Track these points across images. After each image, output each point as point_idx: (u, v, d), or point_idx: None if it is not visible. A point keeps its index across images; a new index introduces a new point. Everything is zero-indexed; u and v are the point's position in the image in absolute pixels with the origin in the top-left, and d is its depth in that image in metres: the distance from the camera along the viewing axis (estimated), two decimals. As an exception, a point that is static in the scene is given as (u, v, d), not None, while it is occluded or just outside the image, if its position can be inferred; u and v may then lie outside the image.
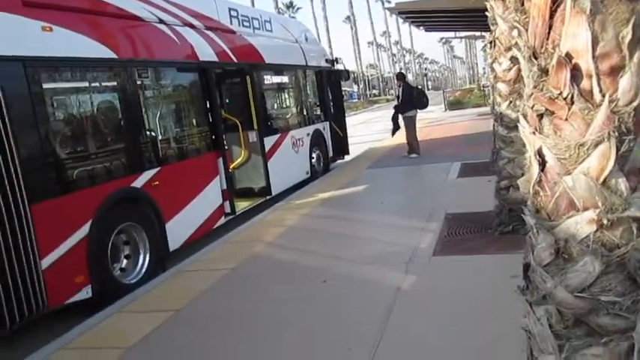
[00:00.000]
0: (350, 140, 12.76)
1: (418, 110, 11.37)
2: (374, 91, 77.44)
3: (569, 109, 1.22)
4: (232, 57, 7.83)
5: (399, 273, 4.48)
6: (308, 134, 10.24)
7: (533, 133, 1.30)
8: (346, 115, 13.66)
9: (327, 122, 11.27)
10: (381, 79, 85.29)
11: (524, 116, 1.33)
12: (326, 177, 10.42)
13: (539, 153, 1.30)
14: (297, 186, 9.41)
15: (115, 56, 5.51)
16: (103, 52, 5.36)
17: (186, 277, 5.30)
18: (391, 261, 4.83)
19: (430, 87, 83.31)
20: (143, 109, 6.05)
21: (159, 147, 6.23)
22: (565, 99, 1.21)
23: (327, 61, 11.68)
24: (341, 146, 11.99)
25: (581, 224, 1.24)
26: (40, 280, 4.37)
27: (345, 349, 3.33)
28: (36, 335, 4.45)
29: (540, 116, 1.28)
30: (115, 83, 5.84)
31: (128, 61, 5.80)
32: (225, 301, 4.57)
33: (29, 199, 4.29)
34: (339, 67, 12.44)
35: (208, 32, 7.42)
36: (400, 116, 11.37)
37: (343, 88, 14.85)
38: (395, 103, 12.03)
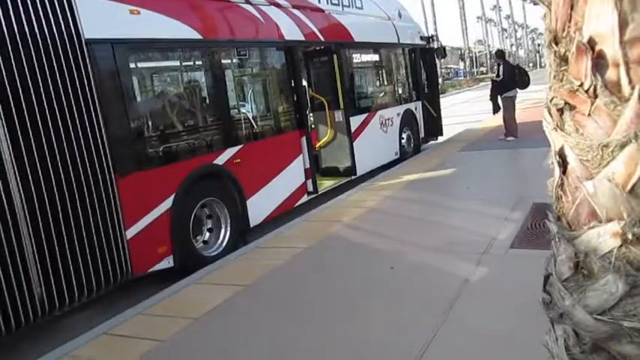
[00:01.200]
0: (447, 120, 12.32)
1: (519, 90, 10.70)
2: (481, 69, 74.05)
3: (592, 104, 1.04)
4: (319, 36, 7.80)
5: (471, 264, 4.27)
6: (398, 114, 10.02)
7: (555, 129, 1.14)
8: (449, 93, 13.17)
9: (420, 102, 10.94)
10: (489, 56, 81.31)
11: (548, 110, 1.16)
12: (415, 158, 10.17)
13: (561, 153, 1.13)
14: (385, 167, 9.28)
15: (199, 37, 5.69)
16: (188, 33, 5.54)
17: (263, 253, 5.43)
18: (465, 251, 4.62)
19: (544, 64, 77.82)
20: (227, 89, 6.21)
21: (242, 126, 6.40)
22: (587, 91, 1.04)
23: (421, 38, 11.29)
24: (434, 127, 11.62)
25: (603, 237, 1.07)
26: (125, 249, 4.69)
27: (398, 340, 3.25)
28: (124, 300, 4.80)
29: (561, 111, 1.11)
30: (200, 63, 6.06)
31: (213, 41, 5.97)
32: (295, 279, 4.64)
33: (116, 173, 4.60)
34: (434, 44, 11.97)
35: (295, 11, 7.42)
36: (499, 97, 10.75)
37: (448, 66, 14.30)
38: (493, 82, 11.38)
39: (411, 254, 4.77)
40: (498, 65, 10.85)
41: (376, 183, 8.11)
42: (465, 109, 21.05)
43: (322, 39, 7.91)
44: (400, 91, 10.62)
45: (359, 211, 6.57)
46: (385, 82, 10.36)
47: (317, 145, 8.45)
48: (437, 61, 12.53)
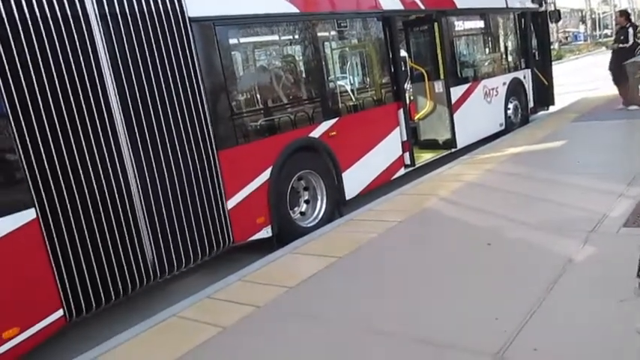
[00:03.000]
0: (561, 89, 11.51)
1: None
2: (605, 31, 67.73)
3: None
4: (419, 4, 7.55)
5: (576, 242, 4.01)
6: (504, 83, 9.51)
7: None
8: (566, 59, 12.24)
9: (529, 70, 10.29)
10: (613, 17, 74.07)
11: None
12: (522, 130, 9.64)
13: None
14: (489, 139, 8.89)
15: (297, 11, 5.74)
16: (286, 7, 5.61)
17: (357, 226, 5.48)
18: (571, 228, 4.34)
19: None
20: (323, 62, 6.23)
21: (338, 98, 6.41)
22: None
23: (532, 1, 10.53)
24: (545, 96, 10.91)
25: None
26: (227, 219, 4.94)
27: (492, 318, 3.15)
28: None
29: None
30: (297, 37, 6.12)
31: (310, 14, 5.98)
32: (389, 252, 4.65)
33: (217, 146, 4.83)
34: (547, 7, 11.13)
35: (394, -21, 7.22)
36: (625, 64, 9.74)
37: (567, 30, 13.25)
38: (613, 48, 10.33)
39: (510, 231, 4.57)
40: (621, 28, 9.85)
41: (477, 156, 7.82)
42: (583, 76, 19.47)
43: (422, 7, 7.65)
44: (507, 59, 10.04)
45: (457, 184, 6.38)
46: (490, 50, 9.83)
47: (415, 117, 8.27)
48: (550, 25, 11.65)
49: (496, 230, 4.62)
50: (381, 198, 6.29)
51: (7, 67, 3.55)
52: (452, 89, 8.07)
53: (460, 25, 8.71)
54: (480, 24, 9.42)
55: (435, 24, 7.86)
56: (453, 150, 8.12)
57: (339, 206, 6.17)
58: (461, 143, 8.18)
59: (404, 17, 7.88)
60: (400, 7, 7.20)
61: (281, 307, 3.86)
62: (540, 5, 10.77)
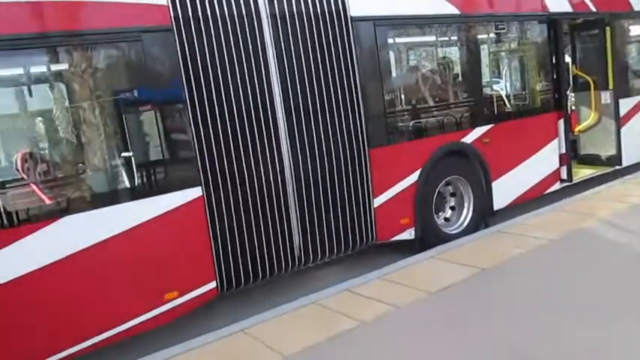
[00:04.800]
0: None
1: None
2: None
3: None
4: (590, 5, 6.95)
5: None
6: (689, 96, 8.42)
7: None
8: None
9: None
10: None
11: None
12: None
13: None
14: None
15: (457, 12, 5.61)
16: (446, 8, 5.51)
17: (504, 239, 5.22)
18: None
19: None
20: (481, 66, 6.05)
21: (494, 104, 6.17)
22: None
23: None
24: None
25: None
26: (372, 216, 5.00)
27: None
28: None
29: None
30: (455, 39, 6.00)
31: (470, 16, 5.81)
32: (536, 271, 4.36)
33: (369, 145, 4.90)
34: None
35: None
36: None
37: None
38: None
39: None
40: None
41: (646, 176, 7.05)
42: None
43: (593, 9, 7.04)
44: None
45: (620, 206, 5.79)
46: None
47: (576, 129, 7.66)
48: None
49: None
50: (532, 212, 5.92)
51: (189, 62, 3.94)
52: (621, 101, 7.34)
53: (635, 30, 7.89)
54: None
55: (607, 28, 7.20)
56: (618, 167, 7.38)
57: (485, 216, 5.93)
58: (627, 161, 7.41)
59: (571, 20, 7.33)
60: (568, 9, 6.71)
61: (420, 311, 3.81)
62: None
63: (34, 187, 3.94)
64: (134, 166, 3.97)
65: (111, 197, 3.94)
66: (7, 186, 4.11)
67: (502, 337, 3.32)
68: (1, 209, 3.38)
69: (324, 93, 4.62)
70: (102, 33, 3.75)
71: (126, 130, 3.98)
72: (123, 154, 4.03)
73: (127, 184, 4.02)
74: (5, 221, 3.37)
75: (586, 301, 3.67)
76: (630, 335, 3.10)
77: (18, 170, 4.08)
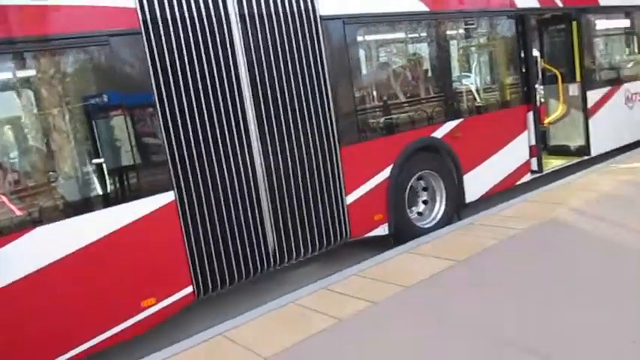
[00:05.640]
0: None
1: None
2: None
3: None
4: (557, 2, 7.10)
5: None
6: (650, 87, 8.67)
7: None
8: None
9: (681, 73, 9.28)
10: None
11: None
12: (668, 139, 8.75)
13: None
14: (628, 148, 8.17)
15: (426, 9, 5.67)
16: (415, 5, 5.56)
17: (477, 231, 5.32)
18: None
19: None
20: (450, 62, 6.11)
21: (463, 99, 6.25)
22: None
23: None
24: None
25: None
26: (345, 213, 5.04)
27: (628, 340, 2.91)
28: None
29: None
30: (424, 36, 6.06)
31: (440, 13, 5.88)
32: (509, 260, 4.46)
33: (340, 142, 4.93)
34: None
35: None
36: None
37: None
38: None
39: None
40: None
41: (614, 165, 7.23)
42: None
43: (560, 4, 7.19)
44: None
45: (589, 195, 5.95)
46: (636, 51, 9.00)
47: (546, 121, 7.81)
48: None
49: (635, 248, 4.25)
50: (505, 203, 6.05)
51: (158, 65, 3.92)
52: (588, 92, 7.52)
53: (601, 24, 8.07)
54: (624, 23, 8.67)
55: (574, 23, 7.36)
56: (586, 157, 7.56)
57: (458, 209, 6.02)
58: (595, 151, 7.60)
59: (539, 15, 7.46)
60: (536, 4, 6.83)
61: (397, 305, 3.87)
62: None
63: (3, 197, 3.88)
64: (106, 172, 3.94)
65: (83, 205, 3.88)
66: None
67: (480, 325, 3.39)
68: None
69: (295, 92, 4.64)
70: (70, 37, 3.69)
71: (96, 136, 3.95)
72: (94, 161, 4.00)
73: (100, 191, 3.98)
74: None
75: (558, 288, 3.77)
76: (598, 321, 3.19)
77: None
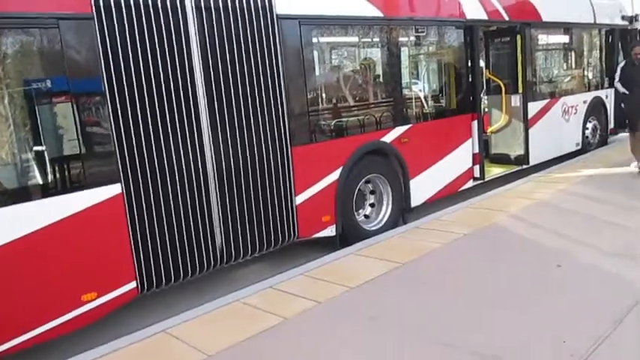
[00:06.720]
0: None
1: None
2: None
3: None
4: (504, 15, 7.39)
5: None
6: (585, 102, 9.20)
7: None
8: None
9: (612, 89, 9.85)
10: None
11: None
12: (599, 151, 9.33)
13: None
14: (563, 158, 8.62)
15: (381, 15, 5.76)
16: (370, 10, 5.64)
17: (422, 234, 5.46)
18: (646, 258, 4.17)
19: None
20: (401, 68, 6.23)
21: (412, 105, 6.40)
22: None
23: (622, 17, 10.09)
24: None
25: None
26: (294, 214, 5.06)
27: (560, 340, 3.08)
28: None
29: None
30: (377, 41, 6.15)
31: (392, 19, 5.97)
32: (452, 263, 4.62)
33: (291, 143, 4.94)
34: (639, 25, 10.62)
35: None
36: None
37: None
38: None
39: (581, 254, 4.45)
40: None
41: (550, 174, 7.61)
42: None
43: (506, 18, 7.49)
44: (590, 77, 9.70)
45: (527, 202, 6.24)
46: (574, 67, 9.51)
47: (488, 130, 8.13)
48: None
49: (566, 252, 4.51)
50: (448, 209, 6.24)
51: (109, 52, 3.81)
52: (529, 104, 7.87)
53: (544, 38, 8.48)
54: (565, 39, 9.15)
55: (518, 36, 7.69)
56: (525, 166, 7.92)
57: (403, 213, 6.17)
58: (534, 160, 7.98)
59: (486, 27, 7.75)
60: (484, 16, 7.09)
61: (341, 306, 3.92)
62: (631, 22, 10.30)
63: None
64: (47, 161, 3.78)
65: (23, 194, 3.71)
66: None
67: (421, 325, 3.49)
68: None
69: (249, 89, 4.62)
70: (15, 17, 3.52)
71: (39, 123, 3.78)
72: (35, 148, 3.83)
73: (40, 180, 3.81)
74: None
75: (495, 289, 3.94)
76: (530, 318, 3.36)
77: None
